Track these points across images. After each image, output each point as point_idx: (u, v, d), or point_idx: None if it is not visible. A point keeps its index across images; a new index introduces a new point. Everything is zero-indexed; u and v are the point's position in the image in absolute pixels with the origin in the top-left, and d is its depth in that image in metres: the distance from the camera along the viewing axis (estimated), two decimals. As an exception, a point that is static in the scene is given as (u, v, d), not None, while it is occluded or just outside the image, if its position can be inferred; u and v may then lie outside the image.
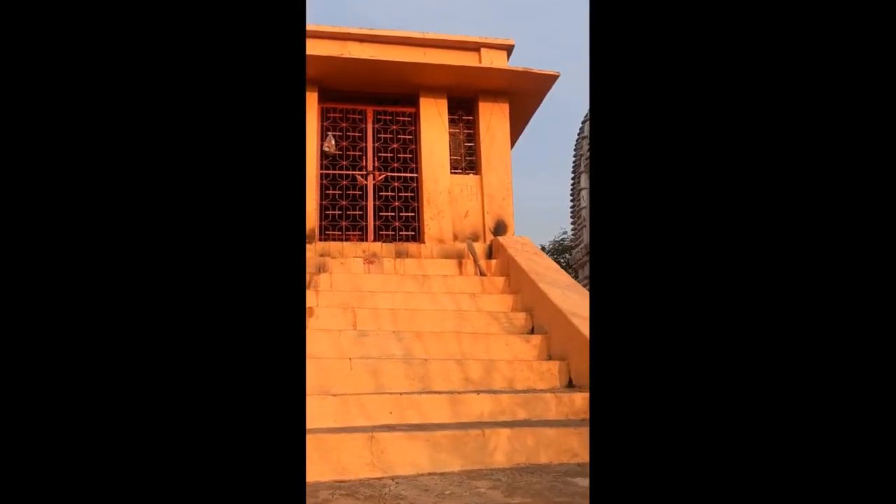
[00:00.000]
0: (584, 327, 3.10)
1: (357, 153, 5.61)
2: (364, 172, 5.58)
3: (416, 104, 5.77)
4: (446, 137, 5.71)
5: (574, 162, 14.98)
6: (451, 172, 5.66)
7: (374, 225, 5.46)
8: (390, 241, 5.34)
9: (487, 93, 5.80)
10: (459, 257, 5.12)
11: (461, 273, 4.80)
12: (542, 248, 12.45)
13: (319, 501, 1.85)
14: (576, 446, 2.34)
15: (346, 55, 5.32)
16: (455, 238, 5.45)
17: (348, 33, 5.69)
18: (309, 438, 2.19)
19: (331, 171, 5.51)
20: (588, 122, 13.61)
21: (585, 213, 13.99)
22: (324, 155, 5.50)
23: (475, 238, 5.48)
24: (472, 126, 5.92)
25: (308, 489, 2.00)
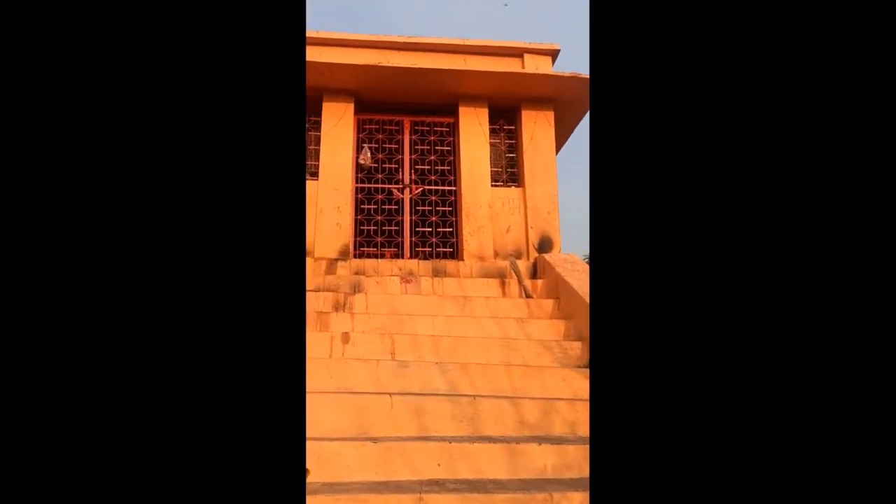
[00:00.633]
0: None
1: (393, 165, 5.37)
2: (400, 186, 5.32)
3: (455, 114, 5.49)
4: (487, 148, 5.40)
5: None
6: (492, 185, 5.33)
7: (411, 241, 5.17)
8: (427, 259, 5.03)
9: (531, 100, 5.47)
10: (501, 276, 4.76)
11: (504, 294, 4.43)
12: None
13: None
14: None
15: (385, 63, 5.10)
16: (496, 255, 5.10)
17: (385, 41, 5.49)
18: (348, 498, 1.87)
19: (366, 185, 5.27)
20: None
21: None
22: (359, 168, 5.28)
23: (518, 255, 5.12)
24: (515, 136, 5.59)
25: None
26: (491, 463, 2.24)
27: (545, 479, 2.18)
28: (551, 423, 2.63)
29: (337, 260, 4.76)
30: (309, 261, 4.63)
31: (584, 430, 2.69)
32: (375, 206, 5.17)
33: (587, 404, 2.80)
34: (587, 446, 2.34)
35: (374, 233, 5.12)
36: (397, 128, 5.49)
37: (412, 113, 5.52)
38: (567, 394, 2.99)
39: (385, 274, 4.67)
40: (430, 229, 5.19)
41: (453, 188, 5.35)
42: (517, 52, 5.58)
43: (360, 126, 5.42)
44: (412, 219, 5.21)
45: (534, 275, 4.82)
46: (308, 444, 2.12)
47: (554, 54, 5.66)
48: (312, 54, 4.99)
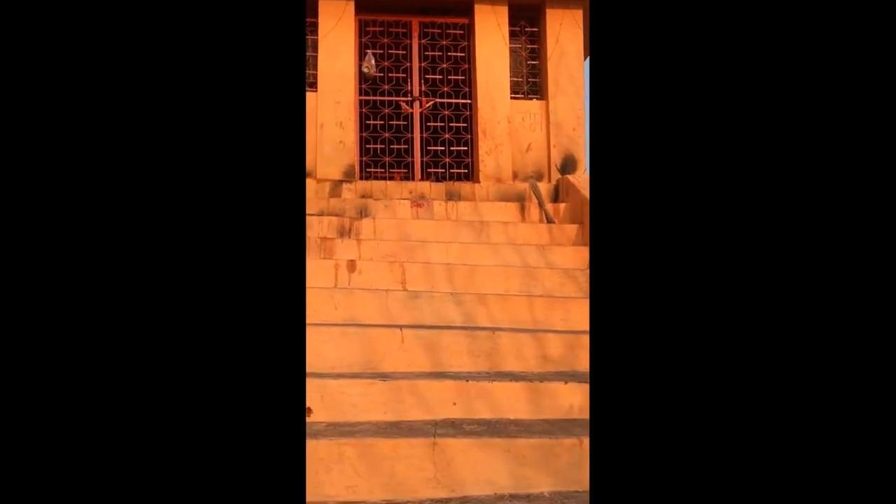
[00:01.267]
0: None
1: (401, 75, 4.80)
2: (409, 99, 4.80)
3: (470, 13, 4.80)
4: (506, 54, 4.77)
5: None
6: (512, 97, 4.78)
7: (422, 161, 4.75)
8: (440, 180, 4.64)
9: (557, -3, 4.73)
10: (521, 200, 4.39)
11: (524, 219, 4.09)
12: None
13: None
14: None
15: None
16: (515, 177, 4.69)
17: (389, -77, 4.69)
18: (355, 443, 1.69)
19: (371, 97, 4.75)
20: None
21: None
22: (363, 77, 4.73)
23: (539, 177, 4.70)
24: (537, 40, 4.92)
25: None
26: (512, 402, 2.04)
27: (572, 420, 1.99)
28: (576, 359, 2.41)
29: (341, 182, 4.40)
30: (310, 182, 4.28)
31: (612, 365, 2.47)
32: (382, 122, 4.70)
33: (616, 338, 2.56)
34: (617, 385, 2.12)
35: (382, 152, 4.70)
36: (405, 30, 4.84)
37: (421, 12, 4.84)
38: (594, 327, 2.74)
39: (394, 197, 4.32)
40: (443, 148, 4.75)
41: (468, 101, 4.81)
42: (544, -65, 4.75)
43: (362, 28, 4.79)
44: (423, 136, 4.75)
45: (556, 198, 4.43)
46: (310, 381, 1.92)
47: (588, -63, 4.81)
48: (304, -61, 4.26)
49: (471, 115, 4.78)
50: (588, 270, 3.27)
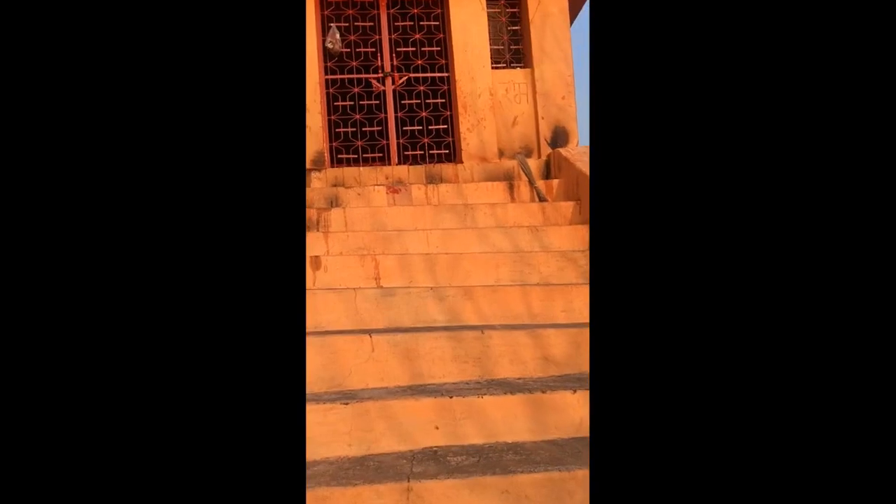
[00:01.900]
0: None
1: (369, 49, 4.34)
2: (380, 75, 4.34)
3: (441, -24, 4.34)
4: (484, 20, 4.32)
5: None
6: (493, 67, 4.34)
7: (398, 143, 4.31)
8: (419, 163, 4.21)
9: (537, -46, 4.27)
10: (509, 179, 3.96)
11: (513, 199, 3.68)
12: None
13: None
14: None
15: None
16: (501, 154, 4.26)
17: None
18: (309, 491, 1.28)
19: (338, 76, 4.29)
20: None
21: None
22: (327, 55, 4.26)
23: (528, 152, 4.27)
24: (518, 2, 4.47)
25: None
26: (508, 421, 1.63)
27: (583, 440, 1.59)
28: (584, 359, 2.00)
29: (310, 171, 3.96)
30: (274, 173, 3.82)
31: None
32: (352, 103, 4.25)
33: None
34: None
35: (353, 135, 4.25)
36: (371, 0, 4.37)
37: (388, -21, 4.37)
38: (601, 317, 2.34)
39: (368, 184, 3.88)
40: (420, 127, 4.30)
41: (445, 74, 4.36)
42: None
43: (323, 1, 4.31)
44: (398, 116, 4.30)
45: (547, 174, 4.01)
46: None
47: None
48: None
49: (449, 90, 4.33)
50: (589, 252, 2.86)
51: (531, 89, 4.33)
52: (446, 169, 4.08)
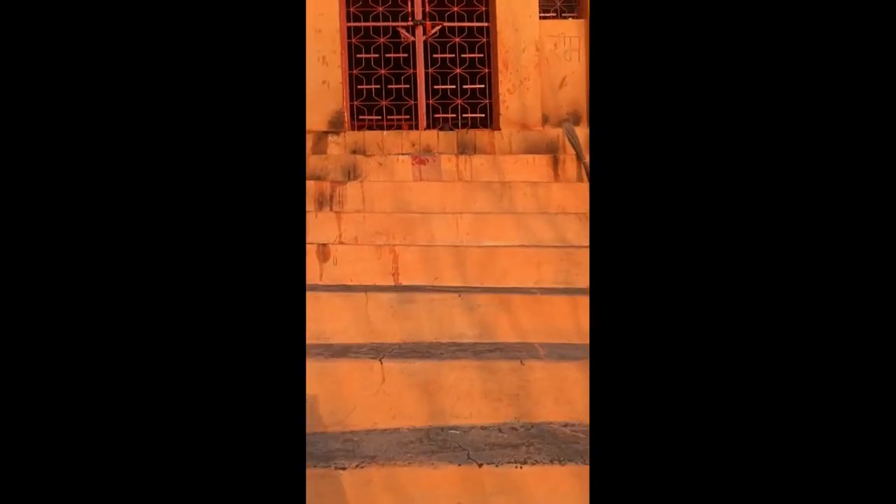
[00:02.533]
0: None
1: (398, -8, 3.74)
2: (410, 23, 3.76)
3: None
4: (534, -42, 3.63)
5: None
6: (541, 17, 3.69)
7: (427, 105, 3.78)
8: (451, 129, 3.69)
9: None
10: (553, 151, 3.43)
11: (558, 177, 3.16)
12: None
13: None
14: None
15: None
16: (545, 121, 3.69)
17: None
18: None
19: (361, 23, 3.74)
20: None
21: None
22: (350, -3, 3.69)
23: (576, 120, 3.69)
24: (576, -65, 3.75)
25: None
26: (555, 500, 1.24)
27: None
28: (650, 404, 1.57)
29: (327, 133, 3.51)
30: (286, 136, 3.39)
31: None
32: (377, 55, 3.71)
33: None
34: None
35: (377, 94, 3.74)
36: (401, -70, 3.73)
37: None
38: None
39: (392, 151, 3.42)
40: (454, 87, 3.75)
41: (484, 24, 3.74)
42: None
43: (346, -70, 3.70)
44: (428, 72, 3.75)
45: (598, 148, 3.45)
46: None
47: None
48: None
49: (488, 43, 3.73)
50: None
51: (584, 44, 3.68)
52: (481, 136, 3.56)
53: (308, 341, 1.75)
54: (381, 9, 3.71)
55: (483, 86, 3.77)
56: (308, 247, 2.21)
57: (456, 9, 3.73)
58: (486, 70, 3.75)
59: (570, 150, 3.34)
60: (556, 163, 3.22)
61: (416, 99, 3.77)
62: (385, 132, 3.56)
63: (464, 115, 3.80)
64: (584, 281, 2.23)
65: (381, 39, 3.72)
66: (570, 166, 3.22)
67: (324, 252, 2.22)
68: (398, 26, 3.77)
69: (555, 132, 3.56)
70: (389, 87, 3.75)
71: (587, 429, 1.50)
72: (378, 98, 3.73)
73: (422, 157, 3.21)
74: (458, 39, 3.73)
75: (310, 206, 2.73)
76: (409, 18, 3.76)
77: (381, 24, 3.73)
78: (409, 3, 3.75)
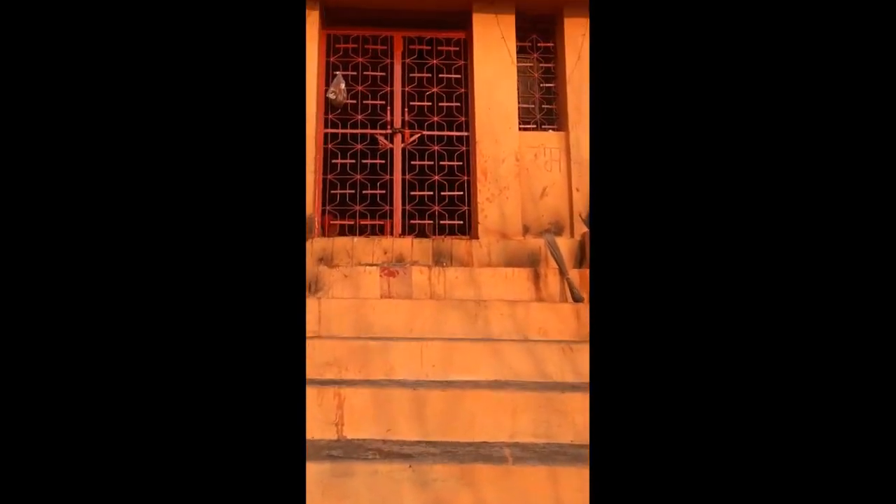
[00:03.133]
0: None
1: (378, 102, 3.76)
2: (389, 131, 3.73)
3: (467, 26, 3.80)
4: (513, 74, 3.72)
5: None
6: (521, 128, 3.69)
7: (403, 210, 3.63)
8: (425, 236, 3.50)
9: (578, 5, 3.70)
10: (534, 264, 3.22)
11: (539, 295, 2.90)
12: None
13: None
14: None
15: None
16: (526, 231, 3.53)
17: (365, -84, 3.77)
18: None
19: (339, 130, 3.70)
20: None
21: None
22: (329, 106, 3.69)
23: (558, 230, 3.53)
24: (553, 57, 3.88)
25: None
26: None
27: None
28: None
29: (293, 240, 3.28)
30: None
31: None
32: (353, 161, 3.63)
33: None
34: None
35: (351, 199, 3.60)
36: (384, 47, 3.84)
37: (406, 25, 3.85)
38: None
39: (362, 260, 3.19)
40: (431, 193, 3.63)
41: (464, 133, 3.73)
42: (560, -74, 3.78)
43: (330, 45, 3.80)
44: (405, 178, 3.65)
45: (582, 261, 3.25)
46: None
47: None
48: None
49: (468, 151, 3.69)
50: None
51: (565, 155, 3.64)
52: (458, 245, 3.35)
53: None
54: (360, 117, 3.70)
55: (461, 193, 3.65)
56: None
57: (436, 118, 3.73)
58: (465, 178, 3.66)
59: (553, 264, 3.12)
60: (537, 277, 2.98)
61: (391, 204, 3.63)
62: (356, 238, 3.35)
63: (441, 222, 3.63)
64: (566, 434, 1.86)
65: (359, 146, 3.66)
66: (553, 281, 2.98)
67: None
68: (377, 133, 3.73)
69: (536, 243, 3.37)
70: (365, 192, 3.62)
71: None
72: (352, 203, 3.58)
73: (392, 268, 2.96)
74: (437, 148, 3.68)
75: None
76: (389, 126, 3.74)
77: (359, 131, 3.70)
78: (389, 112, 3.75)
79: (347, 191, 3.59)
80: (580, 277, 2.97)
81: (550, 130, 3.76)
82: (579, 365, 2.22)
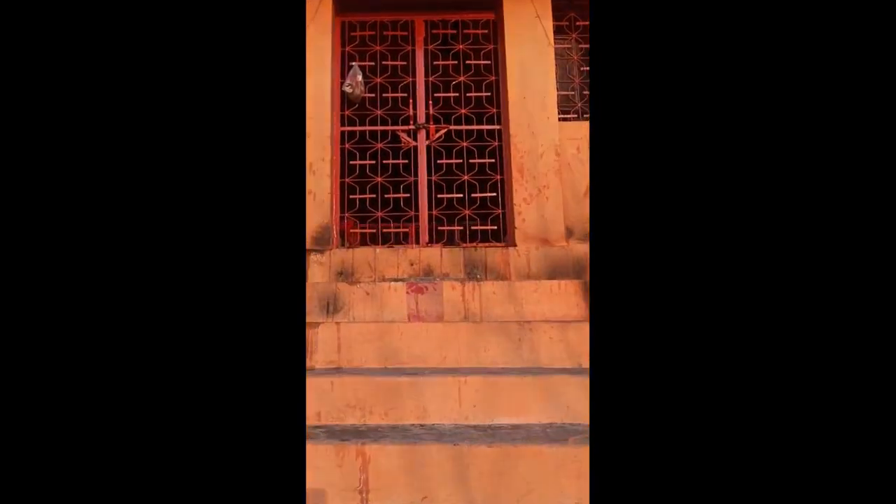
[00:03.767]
0: None
1: (400, 94, 3.40)
2: (412, 127, 3.37)
3: (496, 5, 3.39)
4: (551, 58, 3.29)
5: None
6: (560, 118, 3.27)
7: (430, 216, 3.27)
8: (456, 244, 3.13)
9: (621, -26, 3.23)
10: (582, 275, 2.81)
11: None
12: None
13: None
14: None
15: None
16: (570, 235, 3.11)
17: None
18: None
19: (357, 127, 3.36)
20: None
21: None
22: (346, 100, 3.36)
23: (607, 235, 3.10)
24: (595, 36, 3.42)
25: None
26: None
27: None
28: None
29: (310, 252, 2.97)
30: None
31: None
32: (373, 162, 3.28)
33: None
34: None
35: (372, 204, 3.26)
36: (405, 33, 3.47)
37: (428, 8, 3.47)
38: None
39: (386, 274, 2.85)
40: (461, 195, 3.26)
41: (496, 127, 3.33)
42: None
43: (345, 33, 3.45)
44: (431, 179, 3.28)
45: (637, 269, 2.81)
46: None
47: None
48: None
49: (501, 147, 3.29)
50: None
51: (612, 148, 3.20)
52: (493, 254, 2.97)
53: None
54: (379, 112, 3.35)
55: (495, 194, 3.27)
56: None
57: (464, 111, 3.35)
58: (499, 177, 3.27)
59: (603, 274, 2.71)
60: (587, 291, 2.57)
61: (417, 209, 3.27)
62: (378, 248, 3.01)
63: (472, 227, 3.26)
64: None
65: (379, 144, 3.31)
66: (605, 295, 2.57)
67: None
68: (399, 130, 3.38)
69: (582, 248, 2.96)
70: (387, 196, 3.27)
71: None
72: (373, 209, 3.24)
73: (420, 283, 2.60)
74: (466, 143, 3.30)
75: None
76: (412, 122, 3.38)
77: (379, 128, 3.35)
78: (412, 106, 3.39)
79: (368, 195, 3.25)
80: (638, 290, 2.55)
81: (593, 120, 3.33)
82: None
